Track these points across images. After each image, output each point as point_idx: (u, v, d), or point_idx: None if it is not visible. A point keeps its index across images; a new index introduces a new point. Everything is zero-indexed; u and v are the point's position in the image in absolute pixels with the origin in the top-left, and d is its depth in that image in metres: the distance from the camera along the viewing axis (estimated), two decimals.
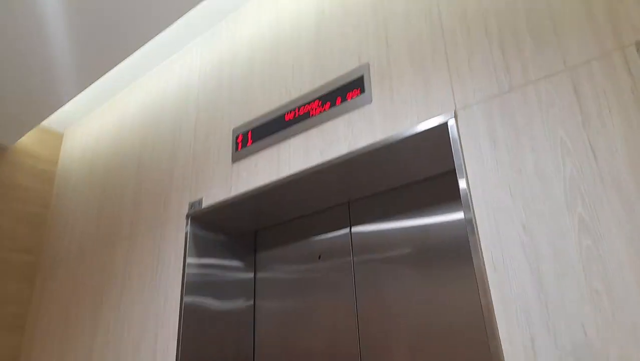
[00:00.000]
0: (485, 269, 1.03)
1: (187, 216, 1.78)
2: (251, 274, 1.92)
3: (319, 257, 1.74)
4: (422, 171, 1.48)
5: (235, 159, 1.71)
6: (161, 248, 1.84)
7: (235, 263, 1.89)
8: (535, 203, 1.01)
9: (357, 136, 1.38)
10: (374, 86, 1.40)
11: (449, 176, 1.45)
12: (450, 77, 1.24)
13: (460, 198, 1.32)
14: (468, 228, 1.08)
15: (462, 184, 1.12)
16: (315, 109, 1.53)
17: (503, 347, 0.96)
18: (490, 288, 1.01)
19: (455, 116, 1.19)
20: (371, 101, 1.39)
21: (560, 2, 1.10)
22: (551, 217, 0.98)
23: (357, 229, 1.67)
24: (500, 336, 0.97)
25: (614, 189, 0.92)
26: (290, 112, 1.60)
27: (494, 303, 1.00)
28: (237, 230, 1.92)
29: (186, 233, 1.75)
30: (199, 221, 1.80)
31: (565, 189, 0.98)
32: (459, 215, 1.43)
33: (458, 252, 1.40)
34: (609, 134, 0.96)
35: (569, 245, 0.94)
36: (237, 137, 1.74)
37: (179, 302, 1.67)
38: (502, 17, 1.19)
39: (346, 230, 1.70)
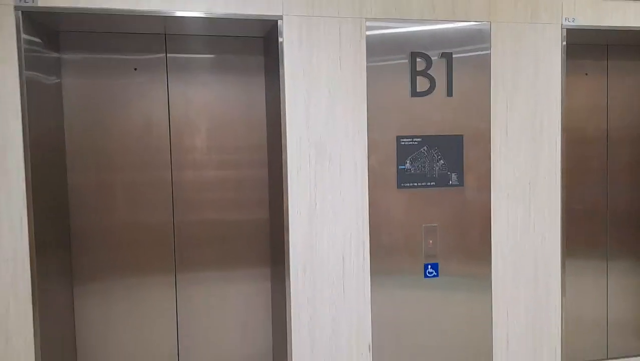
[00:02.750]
0: (285, 102, 2.14)
1: (17, 9, 1.86)
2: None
3: (135, 69, 2.30)
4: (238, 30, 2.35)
5: None
6: None
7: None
8: (314, 84, 2.16)
9: (215, 2, 2.05)
10: None
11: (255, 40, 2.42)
12: None
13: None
14: (281, 81, 2.13)
15: (281, 58, 2.12)
16: None
17: (288, 142, 2.15)
18: (287, 110, 2.14)
19: (282, 18, 2.12)
20: None
21: None
22: (317, 90, 2.17)
23: (172, 55, 2.36)
24: (287, 135, 2.15)
25: (334, 93, 2.20)
26: None
27: (287, 116, 2.14)
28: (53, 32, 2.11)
29: (18, 28, 1.87)
30: (31, 20, 1.93)
31: (327, 82, 2.17)
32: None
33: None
34: (350, 65, 2.19)
35: (322, 102, 2.18)
36: None
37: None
38: None
39: (162, 53, 2.35)
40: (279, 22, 2.12)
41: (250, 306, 2.52)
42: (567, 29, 2.42)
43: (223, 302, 2.49)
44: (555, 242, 2.46)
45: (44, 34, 2.10)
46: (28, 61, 1.91)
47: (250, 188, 2.48)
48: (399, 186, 2.28)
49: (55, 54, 2.22)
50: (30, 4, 1.86)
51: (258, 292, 2.52)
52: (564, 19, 2.42)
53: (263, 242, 2.51)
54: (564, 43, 2.42)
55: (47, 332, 2.01)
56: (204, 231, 2.43)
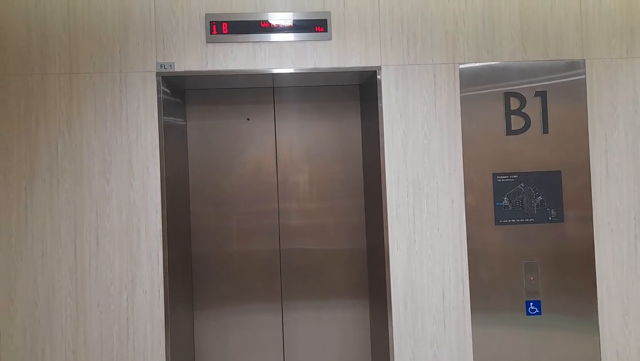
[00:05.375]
0: (384, 143, 2.29)
1: (158, 74, 2.20)
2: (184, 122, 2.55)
3: (248, 119, 2.58)
4: (338, 80, 2.57)
5: (210, 40, 2.24)
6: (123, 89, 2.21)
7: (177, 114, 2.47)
8: (410, 123, 2.31)
9: (320, 58, 2.29)
10: (333, 30, 2.29)
11: (350, 87, 2.63)
12: (380, 45, 2.31)
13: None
14: (380, 124, 2.29)
15: (380, 104, 2.30)
16: (288, 28, 2.27)
17: (387, 182, 2.29)
18: (385, 150, 2.29)
19: (380, 68, 2.31)
20: (331, 39, 2.29)
21: (432, 27, 2.33)
22: (413, 131, 2.31)
23: (279, 105, 2.63)
24: (386, 174, 2.29)
25: (436, 131, 2.32)
26: (265, 22, 2.26)
27: (385, 156, 2.29)
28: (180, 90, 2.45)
29: (158, 89, 2.20)
30: (167, 81, 2.27)
31: (423, 123, 2.31)
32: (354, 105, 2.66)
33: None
34: (444, 107, 2.32)
35: (418, 141, 2.31)
36: (211, 23, 2.24)
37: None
38: (411, 23, 2.32)
39: (271, 104, 2.63)
40: (377, 71, 2.31)
41: (349, 335, 2.64)
42: None
43: (324, 329, 2.64)
44: None
45: (174, 90, 2.44)
46: (164, 109, 2.25)
47: (347, 216, 2.66)
48: (497, 223, 2.32)
49: (181, 101, 2.57)
50: (169, 69, 2.20)
51: (356, 322, 2.64)
52: None
53: (360, 270, 2.65)
54: None
55: (176, 355, 2.23)
56: (306, 259, 2.64)
